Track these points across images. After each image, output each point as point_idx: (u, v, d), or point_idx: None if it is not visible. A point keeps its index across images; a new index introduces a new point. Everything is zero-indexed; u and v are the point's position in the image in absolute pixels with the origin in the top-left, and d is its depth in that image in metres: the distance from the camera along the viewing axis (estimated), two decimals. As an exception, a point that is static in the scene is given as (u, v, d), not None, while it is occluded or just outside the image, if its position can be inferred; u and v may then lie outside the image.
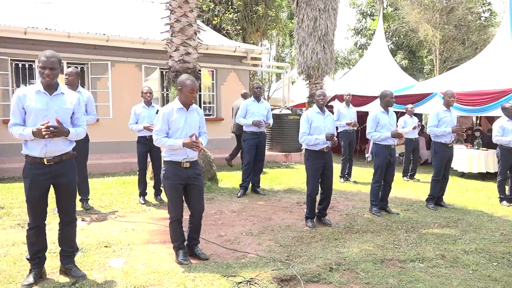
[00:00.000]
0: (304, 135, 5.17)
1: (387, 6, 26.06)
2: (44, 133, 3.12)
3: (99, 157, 9.39)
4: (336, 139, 5.20)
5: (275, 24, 19.52)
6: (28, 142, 3.25)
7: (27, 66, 8.89)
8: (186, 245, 4.06)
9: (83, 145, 5.32)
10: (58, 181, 3.35)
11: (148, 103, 6.23)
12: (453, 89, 8.69)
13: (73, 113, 3.42)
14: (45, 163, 3.26)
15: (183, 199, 3.98)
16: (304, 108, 13.15)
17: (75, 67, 9.38)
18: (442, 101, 6.42)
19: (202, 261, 3.93)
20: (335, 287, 3.44)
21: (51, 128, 3.15)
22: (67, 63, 9.17)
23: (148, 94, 6.19)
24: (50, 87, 3.30)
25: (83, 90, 5.57)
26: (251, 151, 6.95)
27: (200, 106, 11.00)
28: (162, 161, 3.98)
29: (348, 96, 8.79)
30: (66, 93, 3.40)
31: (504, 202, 6.74)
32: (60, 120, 3.25)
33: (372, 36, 21.91)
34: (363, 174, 9.55)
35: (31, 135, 3.15)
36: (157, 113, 6.23)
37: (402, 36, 24.11)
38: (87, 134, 5.31)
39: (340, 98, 11.75)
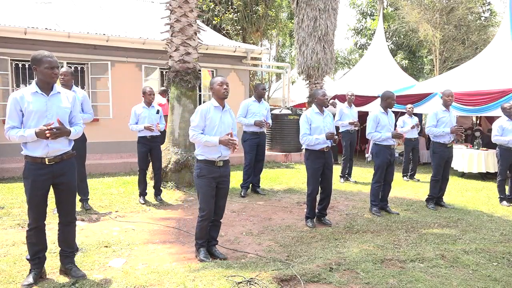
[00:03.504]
0: (305, 136, 5.16)
1: (387, 6, 26.05)
2: (48, 134, 3.11)
3: (99, 157, 9.40)
4: (337, 136, 5.21)
5: (275, 24, 19.50)
6: (28, 143, 3.23)
7: (27, 66, 8.88)
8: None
9: (80, 145, 5.33)
10: (58, 181, 3.34)
11: (149, 103, 6.24)
12: (453, 89, 8.70)
13: (70, 112, 3.41)
14: (46, 163, 3.25)
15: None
16: (304, 108, 13.16)
17: (75, 67, 9.40)
18: (441, 101, 6.42)
19: (202, 261, 3.93)
20: (335, 287, 3.44)
21: (54, 130, 3.14)
22: (67, 63, 9.18)
23: (153, 96, 6.24)
24: (47, 87, 3.28)
25: (77, 89, 5.57)
26: (251, 151, 6.96)
27: (200, 106, 10.97)
28: (196, 160, 4.03)
29: (352, 97, 8.77)
30: (62, 93, 3.39)
31: (504, 202, 6.74)
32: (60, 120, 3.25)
33: (372, 36, 21.91)
34: (363, 174, 9.55)
35: (34, 136, 3.13)
36: (157, 113, 6.28)
37: (402, 36, 24.09)
38: (84, 134, 5.33)
39: (340, 98, 11.75)
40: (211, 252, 4.10)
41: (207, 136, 3.89)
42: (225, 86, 3.96)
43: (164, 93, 9.34)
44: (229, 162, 4.11)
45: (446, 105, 6.29)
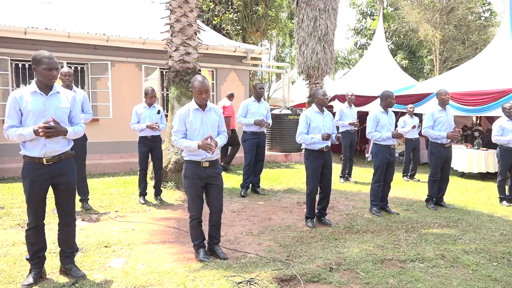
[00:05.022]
0: (301, 134, 5.16)
1: (387, 6, 26.05)
2: (41, 133, 3.10)
3: (99, 157, 9.40)
4: (339, 135, 5.24)
5: (275, 24, 19.50)
6: (26, 142, 3.23)
7: (27, 66, 8.88)
8: (207, 243, 4.13)
9: (81, 145, 5.34)
10: (57, 181, 3.34)
11: (151, 104, 6.24)
12: (454, 89, 8.68)
13: (69, 111, 3.41)
14: (44, 163, 3.25)
15: (203, 198, 4.04)
16: (304, 108, 13.15)
17: (75, 67, 9.39)
18: (437, 100, 6.39)
19: (202, 261, 3.93)
20: (335, 287, 3.44)
21: (48, 129, 3.13)
22: (67, 63, 9.17)
23: (154, 98, 6.26)
24: (47, 87, 3.28)
25: (77, 89, 5.60)
26: (251, 151, 6.96)
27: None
28: (184, 160, 4.03)
29: (352, 96, 8.76)
30: (61, 92, 3.39)
31: (504, 202, 6.74)
32: (57, 120, 3.23)
33: (372, 36, 21.90)
34: (363, 174, 9.55)
35: (32, 134, 3.13)
36: (158, 113, 6.28)
37: (402, 36, 24.10)
38: (85, 134, 5.34)
39: (340, 98, 11.74)
40: (213, 251, 4.10)
41: (187, 141, 3.89)
42: (204, 95, 3.87)
43: (231, 97, 9.74)
44: (218, 162, 4.07)
45: (443, 104, 6.27)
